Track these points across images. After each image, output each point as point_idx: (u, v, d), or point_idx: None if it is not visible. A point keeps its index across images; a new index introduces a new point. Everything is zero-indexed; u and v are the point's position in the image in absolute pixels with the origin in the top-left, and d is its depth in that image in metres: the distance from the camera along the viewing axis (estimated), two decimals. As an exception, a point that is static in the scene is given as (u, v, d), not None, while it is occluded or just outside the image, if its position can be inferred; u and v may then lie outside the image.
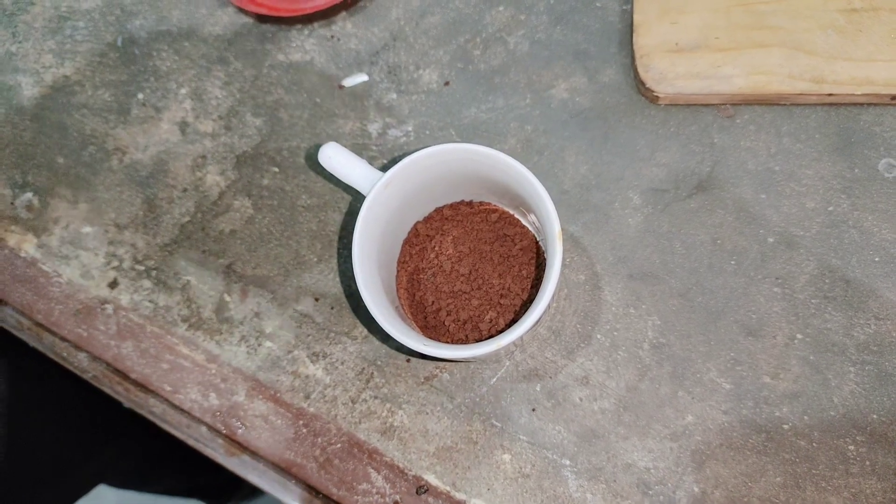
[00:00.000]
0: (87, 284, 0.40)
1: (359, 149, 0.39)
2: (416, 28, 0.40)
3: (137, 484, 0.79)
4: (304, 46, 0.41)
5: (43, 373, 0.57)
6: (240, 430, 0.37)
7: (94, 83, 0.43)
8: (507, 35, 0.39)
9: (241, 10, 0.41)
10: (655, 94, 0.36)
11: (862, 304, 0.34)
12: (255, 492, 0.98)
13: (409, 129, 0.39)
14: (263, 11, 0.40)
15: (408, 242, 0.34)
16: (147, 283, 0.39)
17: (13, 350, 0.55)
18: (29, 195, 0.42)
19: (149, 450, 0.77)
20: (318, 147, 0.39)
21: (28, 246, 0.41)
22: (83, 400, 0.63)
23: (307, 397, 0.36)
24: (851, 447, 0.32)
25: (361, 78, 0.40)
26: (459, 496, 0.34)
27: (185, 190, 0.40)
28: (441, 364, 0.36)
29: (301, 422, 0.36)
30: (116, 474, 0.73)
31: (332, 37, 0.41)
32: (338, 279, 0.38)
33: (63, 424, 0.61)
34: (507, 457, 0.34)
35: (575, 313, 0.35)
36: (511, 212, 0.34)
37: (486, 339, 0.33)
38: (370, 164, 0.37)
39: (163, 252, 0.39)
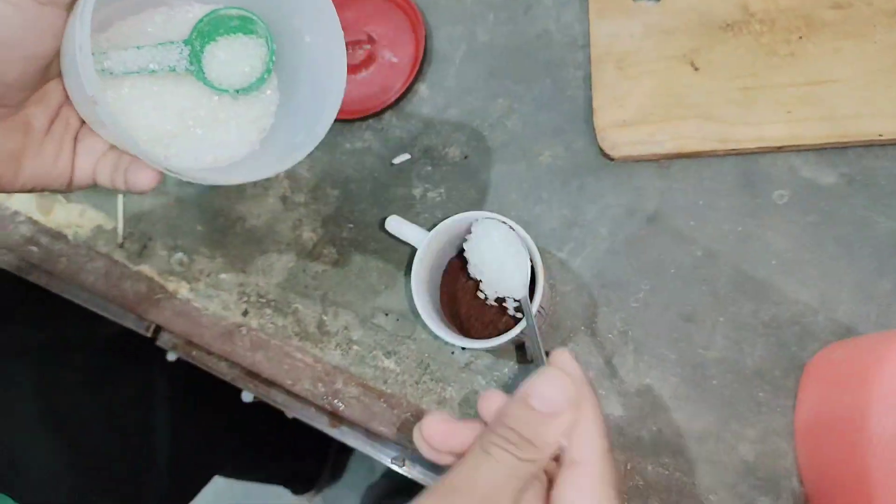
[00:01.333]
0: (227, 314, 0.57)
1: (407, 207, 0.56)
2: (441, 118, 0.56)
3: (242, 474, 0.96)
4: (363, 137, 0.58)
5: (180, 385, 0.75)
6: (340, 408, 0.53)
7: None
8: (506, 120, 0.55)
9: (318, 114, 0.58)
10: (612, 156, 0.51)
11: (765, 295, 0.48)
12: (333, 480, 1.14)
13: (442, 191, 0.55)
14: (334, 114, 0.57)
15: (446, 273, 0.51)
16: (268, 311, 0.56)
17: (162, 369, 0.73)
18: (180, 254, 0.60)
19: (252, 446, 0.93)
20: (380, 208, 0.56)
21: (183, 290, 0.59)
22: (207, 407, 0.80)
23: (385, 382, 0.53)
24: (761, 394, 0.47)
25: (405, 157, 0.56)
26: (493, 443, 0.50)
27: (288, 244, 0.57)
28: (475, 354, 0.52)
29: (382, 399, 0.53)
30: (228, 466, 0.90)
31: (382, 129, 0.57)
32: (402, 299, 0.54)
33: (192, 425, 0.78)
34: (524, 415, 0.50)
35: (566, 313, 0.51)
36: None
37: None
38: (416, 218, 0.54)
39: (277, 288, 0.57)
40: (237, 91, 0.42)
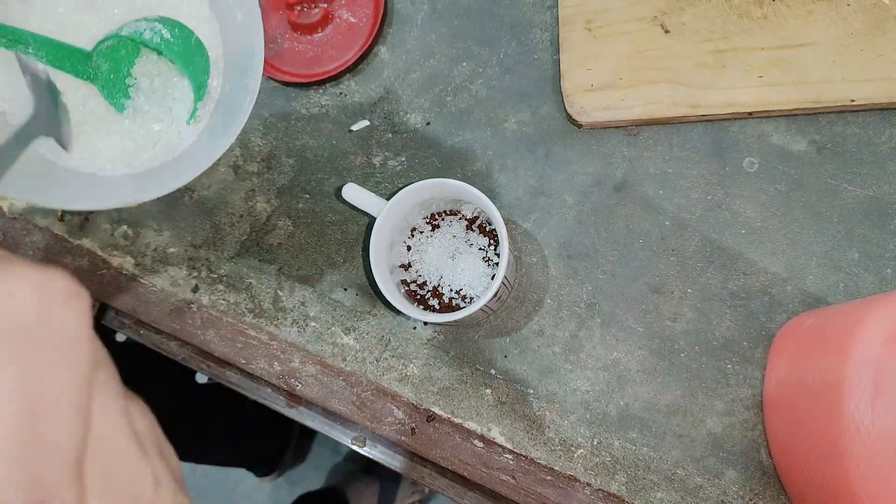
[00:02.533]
0: (175, 291, 0.54)
1: (366, 176, 0.53)
2: (402, 83, 0.54)
3: (199, 457, 0.93)
4: (320, 102, 0.55)
5: (128, 365, 0.71)
6: (298, 387, 0.51)
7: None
8: (470, 84, 0.53)
9: (271, 78, 0.55)
10: (579, 122, 0.49)
11: (733, 265, 0.47)
12: (295, 462, 1.12)
13: (403, 159, 0.53)
14: (287, 78, 0.54)
15: (407, 244, 0.48)
16: (220, 287, 0.53)
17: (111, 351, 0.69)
18: (125, 227, 0.56)
19: (208, 428, 0.91)
20: (338, 177, 0.53)
21: (128, 265, 0.55)
22: (159, 389, 0.77)
23: (344, 360, 0.50)
24: (729, 366, 0.46)
25: (365, 123, 0.54)
26: (457, 420, 0.48)
27: (241, 216, 0.54)
28: (437, 328, 0.50)
29: (341, 378, 0.50)
30: (183, 449, 0.87)
31: (341, 94, 0.54)
32: (360, 273, 0.52)
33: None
34: (488, 391, 0.48)
35: (531, 286, 0.49)
36: (476, 214, 0.48)
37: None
38: (376, 188, 0.51)
39: (229, 263, 0.54)
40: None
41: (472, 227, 0.48)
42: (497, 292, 0.43)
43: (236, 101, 0.41)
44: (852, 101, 0.45)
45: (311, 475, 1.12)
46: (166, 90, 0.42)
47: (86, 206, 0.39)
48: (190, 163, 0.41)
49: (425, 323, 0.50)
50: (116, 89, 0.41)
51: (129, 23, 0.39)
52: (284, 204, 0.54)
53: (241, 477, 1.09)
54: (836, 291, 0.45)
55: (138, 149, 0.42)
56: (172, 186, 0.39)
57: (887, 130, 0.46)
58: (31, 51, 0.38)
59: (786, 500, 0.43)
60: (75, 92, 0.41)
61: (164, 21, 0.39)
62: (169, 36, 0.39)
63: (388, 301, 0.44)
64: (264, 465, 1.05)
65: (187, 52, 0.39)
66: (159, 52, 0.40)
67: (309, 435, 1.10)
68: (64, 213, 0.57)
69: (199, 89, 0.41)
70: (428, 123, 0.53)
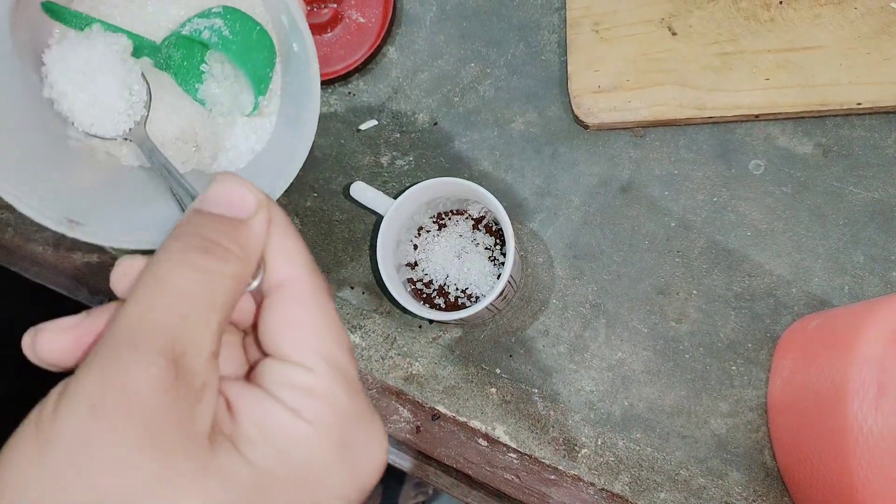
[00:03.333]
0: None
1: (374, 175, 0.53)
2: (411, 83, 0.54)
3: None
4: (329, 101, 0.55)
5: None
6: (304, 384, 0.51)
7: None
8: (478, 85, 0.53)
9: (281, 77, 0.55)
10: (586, 124, 0.50)
11: (738, 267, 0.47)
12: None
13: (411, 158, 0.53)
14: (297, 78, 0.54)
15: (414, 243, 0.48)
16: (228, 284, 0.54)
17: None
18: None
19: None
20: (346, 176, 0.53)
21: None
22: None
23: (350, 357, 0.51)
24: (733, 367, 0.46)
25: (373, 123, 0.54)
26: (462, 419, 0.49)
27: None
28: (443, 327, 0.50)
29: (347, 375, 0.51)
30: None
31: (349, 93, 0.55)
32: (367, 271, 0.52)
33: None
34: (493, 390, 0.49)
35: (536, 286, 0.49)
36: (482, 214, 0.48)
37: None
38: (383, 187, 0.51)
39: (237, 260, 0.54)
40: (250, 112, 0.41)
41: (479, 226, 0.48)
42: (503, 291, 0.43)
43: (301, 88, 0.40)
44: (859, 104, 0.46)
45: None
46: (236, 75, 0.41)
47: None
48: (279, 158, 0.40)
49: (431, 321, 0.50)
50: (190, 76, 0.40)
51: (192, 17, 0.39)
52: (292, 202, 0.54)
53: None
54: (841, 294, 0.45)
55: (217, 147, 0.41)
56: (279, 188, 0.38)
57: (893, 133, 0.47)
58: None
59: (789, 501, 0.43)
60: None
61: (226, 14, 0.38)
62: (228, 33, 0.38)
63: (394, 299, 0.44)
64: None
65: (247, 48, 0.39)
66: (217, 49, 0.40)
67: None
68: (74, 209, 0.58)
69: (261, 83, 0.40)
70: (435, 123, 0.53)
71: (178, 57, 0.40)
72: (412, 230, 0.49)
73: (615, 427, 0.46)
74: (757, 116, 0.48)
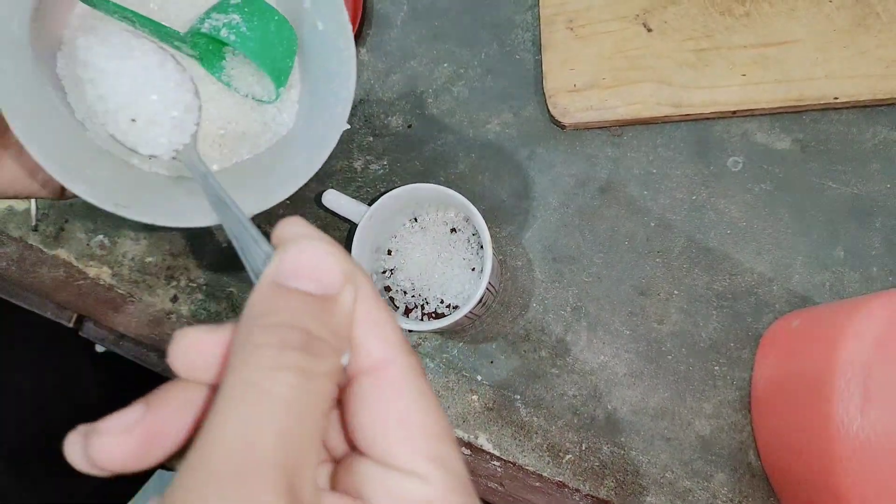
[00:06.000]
0: (154, 301, 0.53)
1: (348, 181, 0.52)
2: (383, 85, 0.53)
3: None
4: (299, 106, 0.54)
5: (111, 377, 0.70)
6: (281, 397, 0.50)
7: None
8: (452, 86, 0.52)
9: (249, 81, 0.54)
10: (562, 123, 0.49)
11: (719, 266, 0.47)
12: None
13: (385, 163, 0.52)
14: (266, 82, 0.53)
15: (390, 250, 0.47)
16: (200, 296, 0.52)
17: (92, 359, 0.68)
18: (101, 237, 0.55)
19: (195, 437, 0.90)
20: (318, 182, 0.52)
21: (105, 276, 0.54)
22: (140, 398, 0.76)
23: (328, 368, 0.50)
24: (716, 368, 0.46)
25: (345, 127, 0.53)
26: (443, 428, 0.48)
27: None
28: (422, 335, 0.49)
29: (325, 386, 0.49)
30: (172, 458, 0.86)
31: (320, 97, 0.53)
32: (342, 280, 0.51)
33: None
34: (475, 397, 0.48)
35: (516, 290, 0.49)
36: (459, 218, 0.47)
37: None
38: (357, 193, 0.50)
39: (209, 271, 0.52)
40: (255, 99, 0.39)
41: (456, 231, 0.47)
42: (482, 298, 0.42)
43: (328, 69, 0.38)
44: (836, 98, 0.45)
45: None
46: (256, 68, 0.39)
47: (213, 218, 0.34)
48: (305, 144, 0.38)
49: (409, 331, 0.49)
50: (215, 58, 0.39)
51: (210, 11, 0.37)
52: (264, 210, 0.53)
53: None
54: (822, 291, 0.45)
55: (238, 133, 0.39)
56: (295, 184, 0.36)
57: (871, 128, 0.46)
58: (137, 27, 0.37)
59: (775, 502, 0.43)
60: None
61: (244, 6, 0.37)
62: (246, 29, 0.37)
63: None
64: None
65: (265, 44, 0.37)
66: (235, 48, 0.38)
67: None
68: (38, 222, 0.56)
69: (280, 76, 0.39)
70: (409, 126, 0.52)
71: (202, 45, 0.38)
72: (388, 237, 0.47)
73: (599, 431, 0.46)
74: (734, 113, 0.47)
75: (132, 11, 0.36)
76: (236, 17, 0.37)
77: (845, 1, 0.46)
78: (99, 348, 0.57)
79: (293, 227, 0.20)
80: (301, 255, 0.19)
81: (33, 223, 0.56)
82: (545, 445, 0.46)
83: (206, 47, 0.38)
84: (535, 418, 0.47)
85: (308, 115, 0.40)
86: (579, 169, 0.49)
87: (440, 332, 0.48)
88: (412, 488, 0.18)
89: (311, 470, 0.17)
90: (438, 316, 0.46)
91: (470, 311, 0.42)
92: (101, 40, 0.34)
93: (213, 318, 0.52)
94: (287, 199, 0.52)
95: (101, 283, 0.54)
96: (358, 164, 0.52)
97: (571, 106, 0.48)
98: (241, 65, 0.39)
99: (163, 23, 0.37)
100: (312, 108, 0.40)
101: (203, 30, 0.37)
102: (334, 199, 0.45)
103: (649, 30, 0.48)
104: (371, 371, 0.19)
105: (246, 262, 0.23)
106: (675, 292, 0.47)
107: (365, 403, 0.19)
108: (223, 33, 0.36)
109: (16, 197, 0.35)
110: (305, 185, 0.52)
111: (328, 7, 0.38)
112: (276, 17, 0.38)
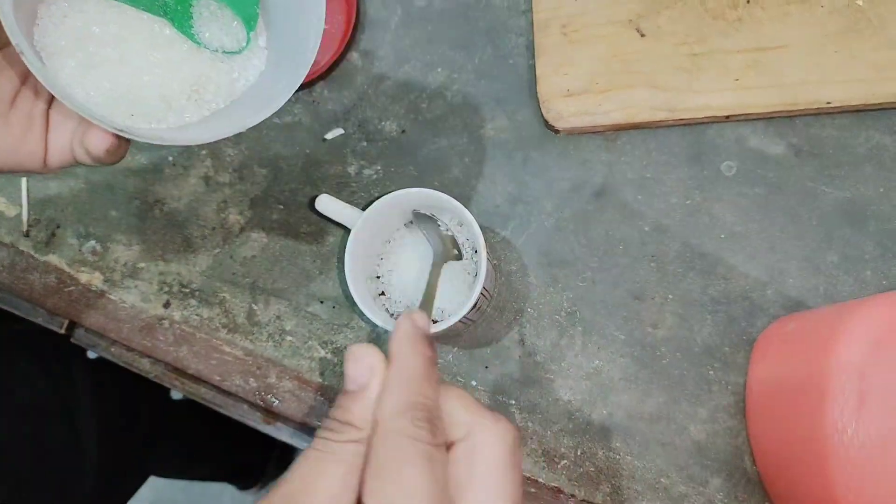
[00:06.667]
0: (146, 307, 0.52)
1: (341, 186, 0.52)
2: (376, 90, 0.53)
3: (181, 473, 0.91)
4: (293, 111, 0.53)
5: (104, 383, 0.69)
6: (275, 403, 0.50)
7: (131, 150, 0.56)
8: (446, 90, 0.52)
9: (242, 86, 0.53)
10: (556, 128, 0.49)
11: (713, 270, 0.47)
12: (278, 473, 1.11)
13: (379, 167, 0.52)
14: (259, 86, 0.52)
15: (384, 254, 0.47)
16: (193, 302, 0.52)
17: (85, 365, 0.67)
18: (93, 243, 0.54)
19: (189, 444, 0.89)
20: (312, 187, 0.52)
21: (96, 282, 0.54)
22: (136, 406, 0.75)
23: (321, 374, 0.49)
24: (711, 372, 0.46)
25: (339, 131, 0.52)
26: (438, 434, 0.47)
27: (213, 228, 0.53)
28: (417, 341, 0.49)
29: (319, 393, 0.49)
30: (164, 467, 0.85)
31: (314, 101, 0.53)
32: (337, 285, 0.50)
33: (120, 426, 0.73)
34: (470, 403, 0.47)
35: (511, 295, 0.48)
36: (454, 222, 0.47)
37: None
38: (351, 198, 0.50)
39: (202, 277, 0.52)
40: (225, 52, 0.39)
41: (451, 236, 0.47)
42: (476, 303, 0.42)
43: (298, 23, 0.39)
44: (828, 102, 0.45)
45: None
46: (224, 14, 0.40)
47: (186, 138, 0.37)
48: (263, 97, 0.39)
49: (404, 335, 0.48)
50: (184, 19, 0.39)
51: None
52: (258, 215, 0.52)
53: (220, 490, 1.07)
54: (816, 294, 0.45)
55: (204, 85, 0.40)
56: (252, 120, 0.37)
57: (863, 132, 0.46)
58: None
59: (771, 506, 0.43)
60: None
61: None
62: None
63: (365, 315, 0.43)
64: (246, 478, 1.03)
65: None
66: None
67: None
68: (29, 228, 0.55)
69: (250, 19, 0.40)
70: (403, 131, 0.52)
71: (171, 3, 0.38)
72: (382, 241, 0.47)
73: (594, 436, 0.46)
74: (728, 117, 0.47)
75: None
76: None
77: (837, 5, 0.46)
78: (91, 354, 0.56)
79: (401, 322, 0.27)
80: (348, 365, 0.26)
81: (24, 229, 0.55)
82: (540, 451, 0.46)
83: (174, 7, 0.38)
84: (529, 423, 0.46)
85: (277, 59, 0.41)
86: (574, 173, 0.49)
87: (435, 337, 0.48)
88: None
89: (319, 496, 0.23)
90: (433, 321, 0.45)
91: (464, 317, 0.42)
92: (75, 8, 0.35)
93: (206, 325, 0.51)
94: (281, 204, 0.52)
95: (93, 289, 0.53)
96: (352, 169, 0.52)
97: (565, 110, 0.48)
98: (208, 21, 0.40)
99: None
100: (282, 50, 0.40)
101: None
102: (328, 205, 0.44)
103: (643, 35, 0.48)
104: (464, 438, 0.25)
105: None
106: (670, 297, 0.47)
107: (452, 466, 0.25)
108: None
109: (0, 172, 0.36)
110: (299, 189, 0.52)
111: None
112: None
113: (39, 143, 0.35)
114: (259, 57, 0.41)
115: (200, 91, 0.39)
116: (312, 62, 0.38)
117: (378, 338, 0.49)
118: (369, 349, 0.26)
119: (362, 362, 0.26)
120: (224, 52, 0.39)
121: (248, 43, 0.40)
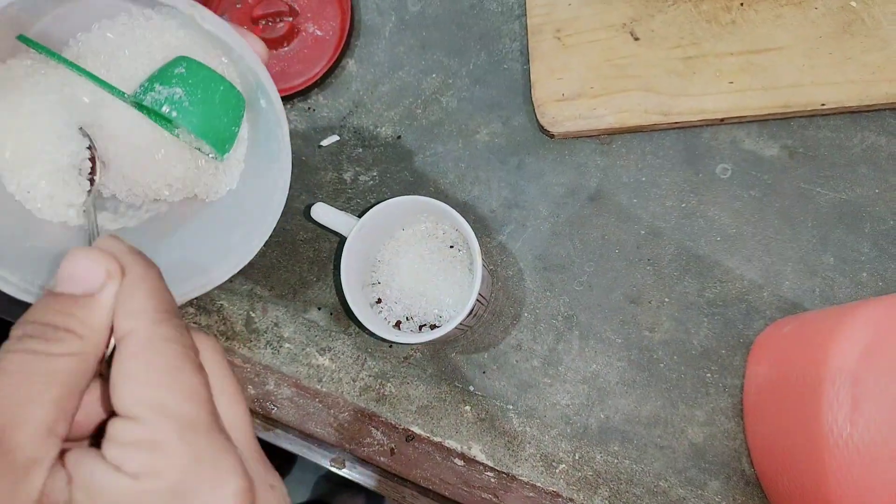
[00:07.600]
0: (145, 315, 0.52)
1: (338, 192, 0.52)
2: (371, 96, 0.53)
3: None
4: (288, 117, 0.53)
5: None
6: (273, 410, 0.50)
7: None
8: (441, 96, 0.52)
9: (237, 94, 0.53)
10: (551, 132, 0.49)
11: (709, 273, 0.47)
12: (281, 474, 1.11)
13: (374, 174, 0.52)
14: (255, 94, 0.53)
15: (380, 261, 0.47)
16: (190, 310, 0.52)
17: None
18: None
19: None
20: (308, 194, 0.52)
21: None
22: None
23: (320, 381, 0.49)
24: (708, 375, 0.46)
25: (334, 138, 0.53)
26: (437, 439, 0.47)
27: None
28: (414, 347, 0.49)
29: (317, 399, 0.49)
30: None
31: (309, 108, 0.53)
32: (334, 292, 0.51)
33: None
34: (468, 408, 0.48)
35: (507, 300, 0.48)
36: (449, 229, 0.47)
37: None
38: (347, 204, 0.50)
39: (199, 285, 0.52)
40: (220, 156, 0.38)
41: (446, 242, 0.47)
42: (472, 309, 0.42)
43: (268, 136, 0.38)
44: (822, 104, 0.45)
45: (295, 489, 1.10)
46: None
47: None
48: (251, 212, 0.39)
49: (400, 343, 0.49)
50: (161, 117, 0.38)
51: (153, 80, 0.36)
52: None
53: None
54: (812, 296, 0.45)
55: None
56: (252, 249, 0.38)
57: (858, 134, 0.46)
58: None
59: (769, 509, 0.43)
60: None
61: (188, 78, 0.36)
62: (188, 104, 0.35)
63: (360, 323, 0.43)
64: (248, 482, 1.03)
65: (208, 118, 0.36)
66: (177, 125, 0.37)
67: (293, 449, 1.09)
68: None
69: (224, 144, 0.38)
70: (399, 137, 0.52)
71: (146, 109, 0.38)
72: (378, 248, 0.47)
73: (592, 440, 0.46)
74: (722, 120, 0.47)
75: (79, 67, 0.35)
76: (179, 91, 0.35)
77: (830, 7, 0.46)
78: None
79: (108, 243, 0.25)
80: (66, 264, 0.24)
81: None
82: (538, 455, 0.46)
83: (150, 111, 0.38)
84: (527, 428, 0.47)
85: (252, 178, 0.40)
86: (569, 178, 0.49)
87: (432, 343, 0.48)
88: (126, 430, 0.22)
89: (28, 426, 0.21)
90: (430, 327, 0.46)
91: (461, 322, 0.42)
92: None
93: (203, 332, 0.51)
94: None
95: (91, 297, 0.53)
96: (347, 176, 0.52)
97: (560, 115, 0.48)
98: (184, 136, 0.39)
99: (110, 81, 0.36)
100: (256, 171, 0.39)
101: (145, 103, 0.36)
102: (323, 213, 0.45)
103: (636, 38, 0.48)
104: (118, 342, 0.23)
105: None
106: (666, 300, 0.47)
107: (113, 370, 0.23)
108: (164, 109, 0.35)
109: None
110: (296, 196, 0.52)
111: (266, 90, 0.35)
112: (222, 87, 0.36)
113: None
114: (235, 169, 0.40)
115: (177, 179, 0.39)
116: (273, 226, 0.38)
117: (377, 343, 0.49)
118: (99, 254, 0.24)
119: (97, 264, 0.24)
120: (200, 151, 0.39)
121: (221, 158, 0.39)
